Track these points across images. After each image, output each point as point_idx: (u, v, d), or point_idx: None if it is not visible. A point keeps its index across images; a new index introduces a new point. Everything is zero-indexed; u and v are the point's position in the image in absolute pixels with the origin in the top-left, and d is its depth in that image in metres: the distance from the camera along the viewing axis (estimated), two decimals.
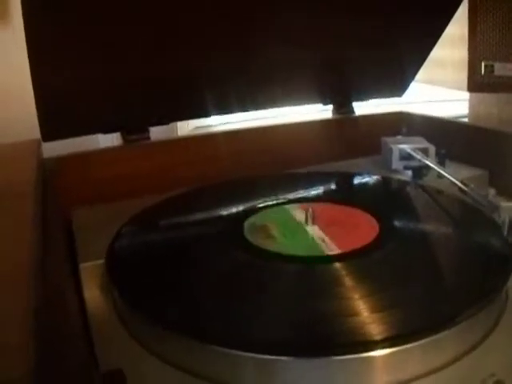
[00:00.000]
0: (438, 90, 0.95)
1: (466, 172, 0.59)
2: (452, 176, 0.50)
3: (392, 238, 0.39)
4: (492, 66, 0.76)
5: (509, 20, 0.76)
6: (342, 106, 0.70)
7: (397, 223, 0.42)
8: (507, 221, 0.40)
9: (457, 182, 0.48)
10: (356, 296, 0.31)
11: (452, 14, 0.67)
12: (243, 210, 0.47)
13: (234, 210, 0.48)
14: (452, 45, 0.79)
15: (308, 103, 0.68)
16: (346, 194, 0.52)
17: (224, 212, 0.48)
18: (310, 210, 0.42)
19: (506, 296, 0.34)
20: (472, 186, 0.47)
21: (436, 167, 0.52)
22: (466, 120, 0.92)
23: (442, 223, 0.45)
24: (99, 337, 0.31)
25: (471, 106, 0.90)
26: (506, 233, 0.40)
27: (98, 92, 0.51)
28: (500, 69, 0.76)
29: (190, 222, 0.47)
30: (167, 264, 0.38)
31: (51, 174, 0.50)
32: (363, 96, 0.72)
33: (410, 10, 0.62)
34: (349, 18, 0.58)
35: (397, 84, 0.73)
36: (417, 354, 0.27)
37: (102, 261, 0.38)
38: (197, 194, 0.52)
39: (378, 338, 0.27)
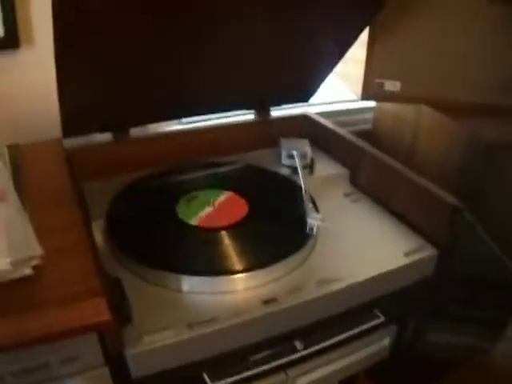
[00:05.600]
0: None
1: (333, 170, 1.02)
2: (321, 172, 0.96)
3: (245, 220, 0.82)
4: (383, 83, 1.15)
5: (398, 46, 1.13)
6: (262, 110, 1.12)
7: (258, 207, 0.85)
8: (314, 226, 0.81)
9: (303, 189, 0.89)
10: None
11: (357, 35, 0.97)
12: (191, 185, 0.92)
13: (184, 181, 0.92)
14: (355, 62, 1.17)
15: (236, 109, 1.10)
16: (244, 185, 0.93)
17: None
18: (212, 200, 0.86)
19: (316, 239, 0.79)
20: (309, 194, 0.88)
21: (300, 172, 0.94)
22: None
23: (285, 205, 0.87)
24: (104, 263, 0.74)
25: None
26: (307, 232, 0.80)
27: (96, 105, 0.86)
28: (389, 85, 1.15)
29: (156, 190, 0.91)
30: (143, 220, 0.81)
31: (70, 157, 0.92)
32: (277, 102, 1.13)
33: (320, 29, 0.91)
34: (266, 36, 0.86)
35: (304, 92, 1.12)
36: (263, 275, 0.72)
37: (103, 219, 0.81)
38: (165, 173, 0.96)
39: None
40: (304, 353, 0.77)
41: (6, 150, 0.89)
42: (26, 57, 1.00)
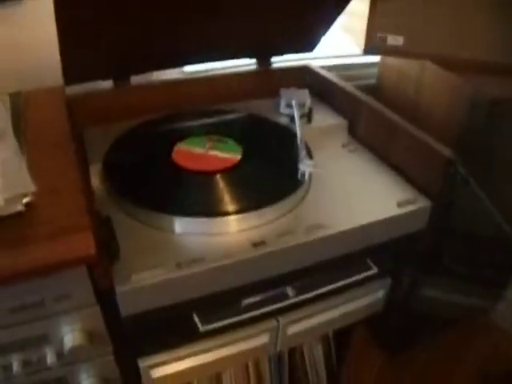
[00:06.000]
0: None
1: (332, 120, 1.02)
2: (320, 122, 0.97)
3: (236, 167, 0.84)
4: (385, 37, 1.14)
5: (401, 2, 1.12)
6: (263, 59, 1.12)
7: (253, 154, 0.87)
8: (306, 172, 0.82)
9: (298, 138, 0.89)
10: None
11: None
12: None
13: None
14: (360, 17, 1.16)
15: (238, 57, 1.10)
16: (241, 132, 0.95)
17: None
18: (208, 144, 0.87)
19: (310, 183, 0.81)
20: (304, 142, 0.88)
21: (296, 120, 0.93)
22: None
23: (280, 153, 0.89)
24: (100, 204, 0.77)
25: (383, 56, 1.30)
26: (299, 178, 0.81)
27: (100, 53, 0.88)
28: (392, 40, 1.14)
29: (154, 135, 0.93)
30: (140, 164, 0.83)
31: (71, 104, 0.93)
32: (279, 52, 1.12)
33: None
34: None
35: (308, 42, 1.11)
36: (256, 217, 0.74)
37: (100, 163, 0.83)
38: (164, 119, 0.98)
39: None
40: (295, 300, 0.78)
41: (7, 98, 0.90)
42: (30, 8, 1.01)
